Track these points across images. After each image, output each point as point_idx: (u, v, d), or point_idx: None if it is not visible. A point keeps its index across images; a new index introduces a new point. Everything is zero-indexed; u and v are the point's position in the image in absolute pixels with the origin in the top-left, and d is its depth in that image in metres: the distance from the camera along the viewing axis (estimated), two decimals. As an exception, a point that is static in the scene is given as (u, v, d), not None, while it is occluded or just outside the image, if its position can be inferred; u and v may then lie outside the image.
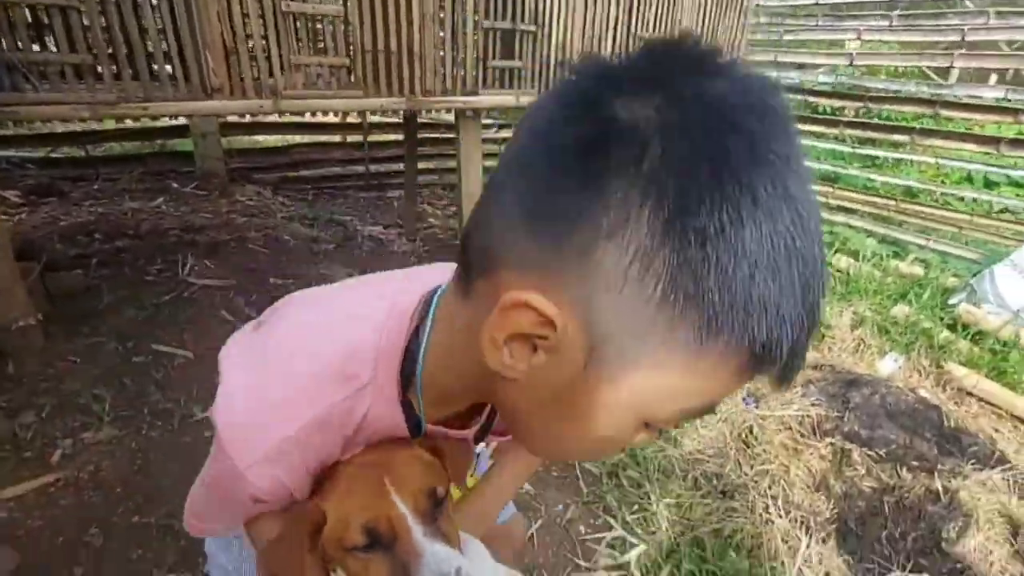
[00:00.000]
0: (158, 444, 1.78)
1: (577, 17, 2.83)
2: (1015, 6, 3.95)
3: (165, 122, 3.86)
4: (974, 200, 4.06)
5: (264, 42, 2.10)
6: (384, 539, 0.50)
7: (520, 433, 0.52)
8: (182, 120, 3.82)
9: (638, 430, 0.44)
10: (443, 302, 0.52)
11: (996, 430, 2.29)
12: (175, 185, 3.89)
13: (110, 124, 3.69)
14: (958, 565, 1.64)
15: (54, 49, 1.82)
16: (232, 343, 0.58)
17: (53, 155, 3.87)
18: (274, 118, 3.98)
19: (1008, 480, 1.83)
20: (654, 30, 3.14)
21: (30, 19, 1.88)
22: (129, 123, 4.30)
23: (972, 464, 1.89)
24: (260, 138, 4.55)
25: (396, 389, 0.52)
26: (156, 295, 2.50)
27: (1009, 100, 3.68)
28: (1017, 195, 4.18)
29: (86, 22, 1.81)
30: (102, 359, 2.07)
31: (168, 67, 1.93)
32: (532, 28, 2.72)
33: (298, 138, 4.58)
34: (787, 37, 4.97)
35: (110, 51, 1.87)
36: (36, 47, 1.90)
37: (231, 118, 4.12)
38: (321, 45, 2.49)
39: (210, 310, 2.47)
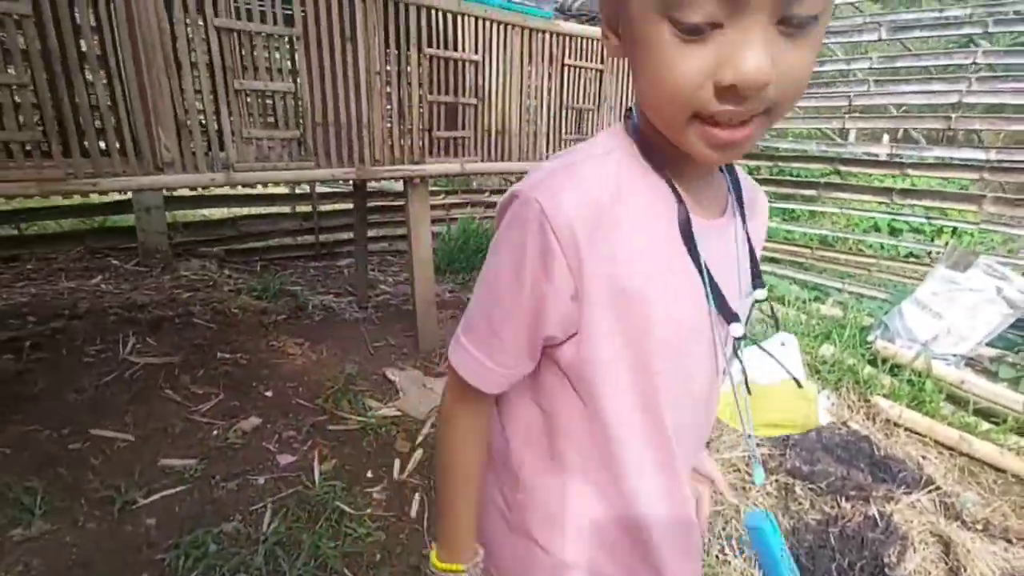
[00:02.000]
0: (96, 536, 1.67)
1: (513, 90, 3.07)
2: (894, 75, 4.56)
3: (106, 197, 3.79)
4: (881, 245, 4.49)
5: (216, 117, 2.17)
6: None
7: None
8: (127, 195, 3.78)
9: (672, 38, 0.46)
10: None
11: (924, 456, 2.47)
12: (115, 262, 3.78)
13: (44, 200, 3.59)
14: (902, 588, 1.74)
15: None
16: None
17: (-20, 235, 3.71)
18: (223, 190, 4.01)
19: (935, 500, 1.98)
20: (584, 101, 3.43)
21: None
22: (65, 200, 4.22)
23: (902, 489, 2.03)
24: (206, 212, 4.52)
25: (634, 147, 0.58)
26: (96, 377, 2.39)
27: (899, 156, 4.18)
28: (916, 239, 4.66)
29: (34, 100, 1.84)
30: (35, 448, 1.95)
31: (117, 143, 1.96)
32: (473, 101, 2.93)
33: (246, 210, 4.58)
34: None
35: (58, 127, 1.90)
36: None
37: (177, 192, 4.11)
38: (272, 119, 2.59)
39: (153, 389, 2.38)
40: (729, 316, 0.61)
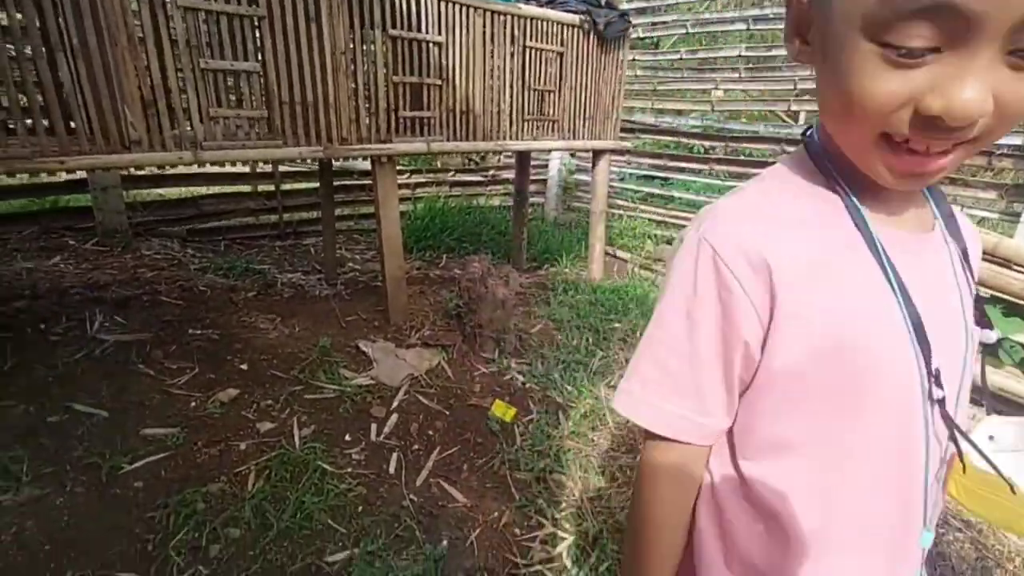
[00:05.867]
0: (85, 499, 1.75)
1: (477, 72, 3.16)
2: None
3: (60, 176, 3.69)
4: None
5: (183, 95, 2.20)
6: None
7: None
8: (80, 174, 3.70)
9: (877, 58, 0.40)
10: None
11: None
12: (72, 242, 3.72)
13: (-6, 182, 3.48)
14: None
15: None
16: None
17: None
18: (182, 169, 3.96)
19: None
20: (545, 83, 3.54)
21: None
22: (13, 179, 4.08)
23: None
24: (165, 191, 4.45)
25: (806, 163, 0.54)
26: (66, 354, 2.41)
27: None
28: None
29: (-2, 78, 1.84)
30: (13, 421, 1.99)
31: (84, 122, 1.98)
32: (438, 82, 3.01)
33: (205, 189, 4.53)
34: (660, 87, 5.67)
35: (24, 105, 1.90)
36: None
37: (134, 171, 4.03)
38: (236, 97, 2.60)
39: (125, 365, 2.42)
40: (926, 350, 0.49)
